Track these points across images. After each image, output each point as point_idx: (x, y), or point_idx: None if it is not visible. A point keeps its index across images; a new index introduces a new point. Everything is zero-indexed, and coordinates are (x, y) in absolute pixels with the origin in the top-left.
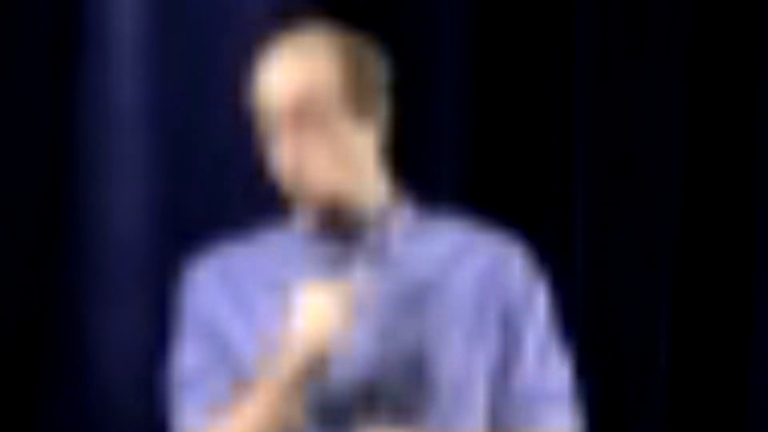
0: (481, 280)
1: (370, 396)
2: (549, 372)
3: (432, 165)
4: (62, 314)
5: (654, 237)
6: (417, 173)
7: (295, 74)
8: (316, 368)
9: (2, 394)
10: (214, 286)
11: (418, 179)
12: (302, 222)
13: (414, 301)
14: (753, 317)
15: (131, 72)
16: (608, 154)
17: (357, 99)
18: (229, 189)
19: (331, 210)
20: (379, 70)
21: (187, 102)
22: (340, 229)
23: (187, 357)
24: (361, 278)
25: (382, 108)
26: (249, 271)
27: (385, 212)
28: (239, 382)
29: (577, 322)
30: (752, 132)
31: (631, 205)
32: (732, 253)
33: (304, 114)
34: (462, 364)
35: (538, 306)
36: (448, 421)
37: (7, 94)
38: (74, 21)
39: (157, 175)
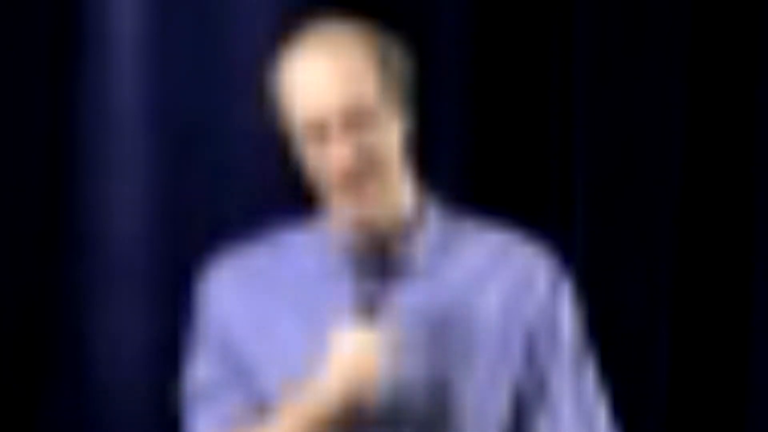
0: (505, 305)
1: (395, 421)
2: (575, 400)
3: (431, 165)
4: (62, 314)
5: (654, 237)
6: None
7: (334, 78)
8: (347, 415)
9: (2, 395)
10: (228, 295)
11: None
12: (330, 235)
13: (438, 324)
14: (753, 317)
15: (131, 72)
16: (608, 155)
17: (389, 96)
18: (229, 188)
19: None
20: (404, 69)
21: (187, 102)
22: (369, 244)
23: (200, 369)
24: (388, 319)
25: (408, 106)
26: (267, 276)
27: (410, 223)
28: (260, 406)
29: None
30: (752, 132)
31: (630, 205)
32: (732, 252)
33: (352, 117)
34: (485, 391)
35: (563, 327)
36: None
37: (7, 94)
38: (74, 21)
39: (158, 175)
